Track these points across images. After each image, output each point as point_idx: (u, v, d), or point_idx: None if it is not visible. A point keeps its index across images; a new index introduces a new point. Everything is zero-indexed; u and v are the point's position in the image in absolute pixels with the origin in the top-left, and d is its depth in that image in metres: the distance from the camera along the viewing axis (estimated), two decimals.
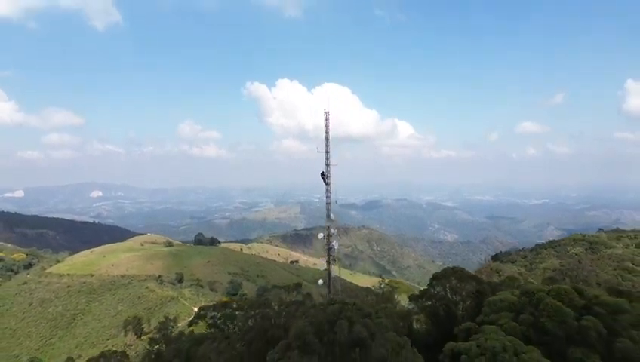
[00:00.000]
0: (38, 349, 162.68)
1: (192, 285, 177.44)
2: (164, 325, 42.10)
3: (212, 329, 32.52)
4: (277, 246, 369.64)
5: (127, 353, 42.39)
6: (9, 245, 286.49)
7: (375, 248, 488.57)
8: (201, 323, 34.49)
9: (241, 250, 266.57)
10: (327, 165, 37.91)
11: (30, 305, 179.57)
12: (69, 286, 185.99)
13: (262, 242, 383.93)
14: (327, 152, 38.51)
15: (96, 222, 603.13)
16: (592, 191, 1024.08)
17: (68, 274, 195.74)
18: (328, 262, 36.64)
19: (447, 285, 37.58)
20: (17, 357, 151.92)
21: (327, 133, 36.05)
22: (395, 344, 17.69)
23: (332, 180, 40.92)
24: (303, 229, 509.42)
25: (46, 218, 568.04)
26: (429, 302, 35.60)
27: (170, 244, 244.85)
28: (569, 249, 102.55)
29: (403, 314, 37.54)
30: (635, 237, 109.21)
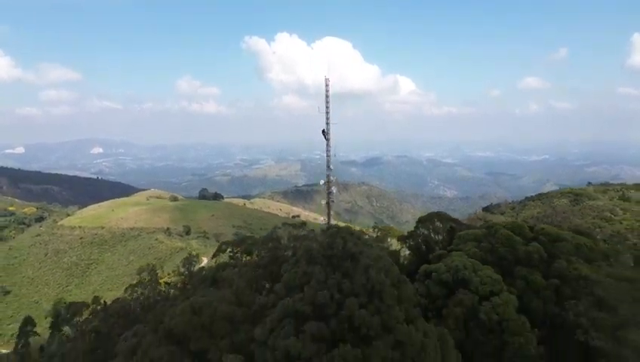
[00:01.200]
0: (56, 296, 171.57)
1: (198, 237, 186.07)
2: (188, 260, 48.67)
3: (232, 260, 38.93)
4: (278, 201, 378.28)
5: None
6: (16, 200, 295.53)
7: (374, 204, 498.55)
8: (222, 256, 40.86)
9: (244, 204, 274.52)
10: (327, 123, 42.62)
11: (46, 255, 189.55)
12: (81, 238, 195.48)
13: (264, 198, 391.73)
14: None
15: (100, 178, 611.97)
16: (594, 147, 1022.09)
17: (79, 227, 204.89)
18: (328, 194, 42.54)
19: (431, 227, 43.61)
20: (37, 302, 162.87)
21: (327, 98, 40.38)
22: (376, 256, 23.64)
23: (332, 137, 45.50)
24: (304, 186, 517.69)
25: (49, 174, 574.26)
26: (413, 242, 41.85)
27: (175, 199, 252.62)
28: (555, 201, 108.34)
29: (392, 252, 43.73)
30: (620, 191, 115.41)
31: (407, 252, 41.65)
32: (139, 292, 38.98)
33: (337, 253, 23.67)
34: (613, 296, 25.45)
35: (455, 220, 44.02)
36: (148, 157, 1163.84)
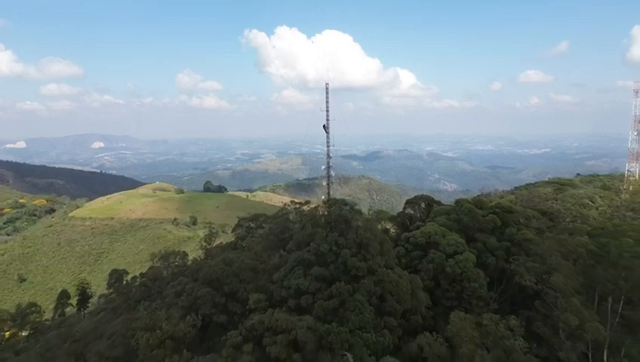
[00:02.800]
0: (70, 283, 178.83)
1: (205, 227, 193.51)
2: (208, 238, 56.27)
3: (248, 233, 46.63)
4: (280, 195, 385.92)
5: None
6: (25, 193, 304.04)
7: (375, 197, 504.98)
8: (239, 230, 48.57)
9: (247, 197, 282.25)
10: (327, 120, 49.96)
11: (59, 244, 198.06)
12: (92, 228, 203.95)
13: (266, 191, 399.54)
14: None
15: (103, 172, 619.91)
16: (594, 140, 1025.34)
17: (90, 218, 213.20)
18: (328, 169, 50.26)
19: (416, 207, 51.35)
20: (52, 289, 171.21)
21: (327, 98, 47.79)
22: (364, 220, 31.28)
23: (333, 131, 52.45)
24: (305, 179, 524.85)
25: (54, 168, 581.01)
26: (400, 219, 49.54)
27: (181, 191, 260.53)
28: (540, 189, 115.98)
29: (383, 229, 51.49)
30: (602, 181, 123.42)
31: (395, 227, 49.28)
32: (170, 261, 46.75)
33: (335, 218, 31.47)
34: (545, 252, 33.05)
35: (436, 201, 51.70)
36: (149, 152, 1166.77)
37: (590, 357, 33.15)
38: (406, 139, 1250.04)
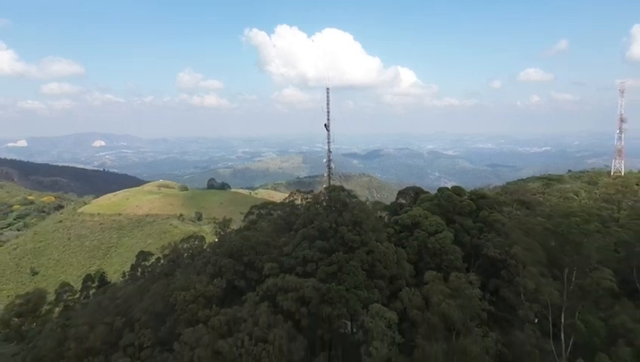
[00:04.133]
0: (81, 276, 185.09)
1: (209, 222, 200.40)
2: (223, 224, 62.85)
3: (259, 218, 53.26)
4: (282, 192, 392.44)
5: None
6: (32, 191, 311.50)
7: (375, 195, 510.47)
8: (251, 216, 55.13)
9: (250, 194, 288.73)
10: (328, 119, 56.47)
11: (69, 239, 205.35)
12: (101, 224, 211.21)
13: (267, 189, 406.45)
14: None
15: (106, 170, 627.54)
16: (595, 138, 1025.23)
17: (98, 214, 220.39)
18: (329, 162, 56.81)
19: (407, 196, 57.92)
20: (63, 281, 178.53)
21: (327, 99, 54.26)
22: (359, 203, 37.78)
23: (334, 130, 58.51)
24: (306, 177, 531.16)
25: (58, 166, 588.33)
26: (392, 207, 56.15)
27: (185, 188, 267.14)
28: (529, 184, 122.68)
29: (380, 217, 58.07)
30: (590, 176, 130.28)
31: (388, 214, 55.87)
32: (189, 243, 53.43)
33: (334, 201, 38.10)
34: (509, 229, 39.64)
35: (424, 191, 58.24)
36: (150, 150, 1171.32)
37: (550, 319, 39.74)
38: (406, 138, 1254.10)
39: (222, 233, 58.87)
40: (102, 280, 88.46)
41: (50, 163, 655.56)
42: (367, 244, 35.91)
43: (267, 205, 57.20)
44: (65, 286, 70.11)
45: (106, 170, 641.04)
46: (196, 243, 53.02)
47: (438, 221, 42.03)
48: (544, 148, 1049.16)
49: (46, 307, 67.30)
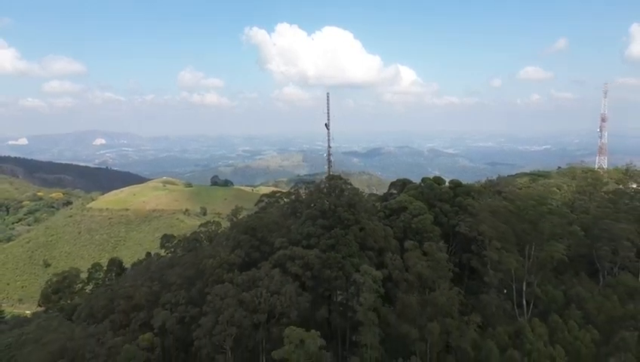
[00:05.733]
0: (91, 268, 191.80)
1: (214, 217, 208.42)
2: (235, 211, 70.48)
3: (268, 205, 61.25)
4: (283, 189, 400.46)
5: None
6: (40, 188, 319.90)
7: (375, 192, 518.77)
8: (261, 204, 62.99)
9: (252, 190, 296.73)
10: (328, 119, 64.21)
11: (79, 233, 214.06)
12: (109, 219, 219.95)
13: (269, 186, 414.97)
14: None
15: (109, 168, 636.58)
16: (595, 136, 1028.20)
17: (107, 209, 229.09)
18: (329, 156, 64.68)
19: (397, 187, 65.88)
20: None
21: (327, 100, 61.86)
22: (354, 189, 45.76)
23: (334, 129, 65.97)
24: (307, 175, 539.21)
25: (61, 164, 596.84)
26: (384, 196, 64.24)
27: (189, 185, 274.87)
28: (517, 179, 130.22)
29: (372, 205, 65.91)
30: (576, 172, 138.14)
31: (380, 203, 63.92)
32: (207, 228, 61.41)
33: (333, 188, 46.07)
34: (478, 211, 47.66)
35: (413, 182, 66.26)
36: (150, 149, 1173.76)
37: (514, 287, 47.75)
38: (407, 136, 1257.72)
39: (234, 219, 66.85)
40: (120, 266, 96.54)
41: (51, 161, 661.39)
42: (360, 222, 43.82)
43: (275, 194, 65.14)
44: (96, 266, 78.40)
45: (108, 167, 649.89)
46: (213, 227, 60.99)
47: (420, 205, 49.98)
48: (544, 147, 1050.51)
49: (79, 285, 75.40)
